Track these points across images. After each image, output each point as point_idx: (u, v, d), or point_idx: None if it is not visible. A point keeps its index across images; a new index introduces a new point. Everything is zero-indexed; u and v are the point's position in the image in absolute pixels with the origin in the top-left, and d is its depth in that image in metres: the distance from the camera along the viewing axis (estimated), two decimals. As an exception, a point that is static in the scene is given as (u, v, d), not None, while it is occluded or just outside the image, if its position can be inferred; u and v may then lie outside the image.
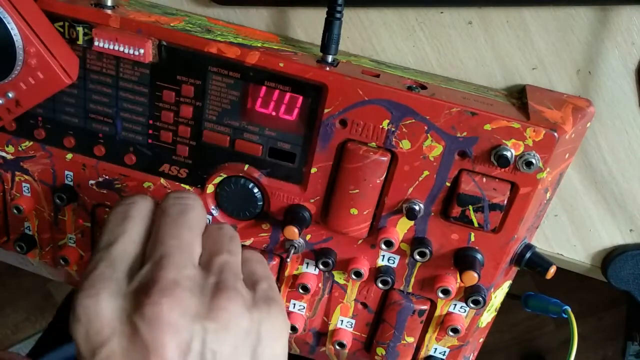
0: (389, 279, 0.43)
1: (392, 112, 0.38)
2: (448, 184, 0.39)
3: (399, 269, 0.44)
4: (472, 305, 0.42)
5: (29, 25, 0.38)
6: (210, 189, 0.44)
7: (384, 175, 0.40)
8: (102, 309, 0.31)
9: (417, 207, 0.40)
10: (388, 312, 0.45)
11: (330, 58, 0.39)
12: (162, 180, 0.44)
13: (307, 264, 0.46)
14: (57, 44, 0.39)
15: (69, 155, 0.45)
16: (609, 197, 0.44)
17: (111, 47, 0.39)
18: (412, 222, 0.41)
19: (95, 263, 0.33)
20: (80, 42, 0.40)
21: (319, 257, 0.44)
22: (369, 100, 0.38)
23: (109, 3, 0.40)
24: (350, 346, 0.48)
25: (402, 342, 0.46)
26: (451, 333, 0.45)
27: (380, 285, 0.44)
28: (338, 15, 0.38)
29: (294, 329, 0.48)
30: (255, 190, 0.43)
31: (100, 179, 0.46)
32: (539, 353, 1.63)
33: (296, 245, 0.44)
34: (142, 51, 0.39)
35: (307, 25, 0.43)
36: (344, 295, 0.46)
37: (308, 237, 0.44)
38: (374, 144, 0.39)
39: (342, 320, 0.48)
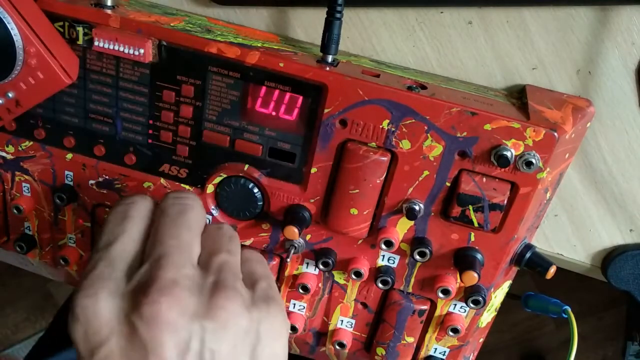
0: (389, 279, 0.43)
1: (392, 112, 0.38)
2: (448, 184, 0.39)
3: (399, 269, 0.44)
4: (472, 305, 0.42)
5: (29, 25, 0.38)
6: (210, 189, 0.44)
7: (384, 175, 0.40)
8: (101, 308, 0.31)
9: (417, 207, 0.40)
10: (388, 312, 0.45)
11: (330, 58, 0.39)
12: (162, 180, 0.44)
13: (307, 264, 0.46)
14: (57, 44, 0.39)
15: (69, 155, 0.45)
16: (609, 197, 0.44)
17: (111, 47, 0.39)
18: (412, 222, 0.41)
19: (94, 263, 0.33)
20: (80, 42, 0.40)
21: (319, 257, 0.44)
22: (369, 100, 0.38)
23: (109, 3, 0.40)
24: (350, 346, 0.48)
25: (402, 342, 0.46)
26: (451, 333, 0.45)
27: (380, 285, 0.44)
28: (338, 15, 0.38)
29: (294, 329, 0.48)
30: (255, 190, 0.43)
31: (100, 179, 0.46)
32: (539, 353, 1.63)
33: (296, 245, 0.44)
34: (142, 51, 0.39)
35: (307, 25, 0.43)
36: (344, 295, 0.46)
37: (308, 237, 0.44)
38: (374, 144, 0.39)
39: (342, 320, 0.48)
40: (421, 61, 0.43)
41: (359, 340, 0.48)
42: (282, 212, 0.43)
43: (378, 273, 0.44)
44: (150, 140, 0.43)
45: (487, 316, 0.46)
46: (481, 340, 0.49)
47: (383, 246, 0.41)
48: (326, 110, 0.39)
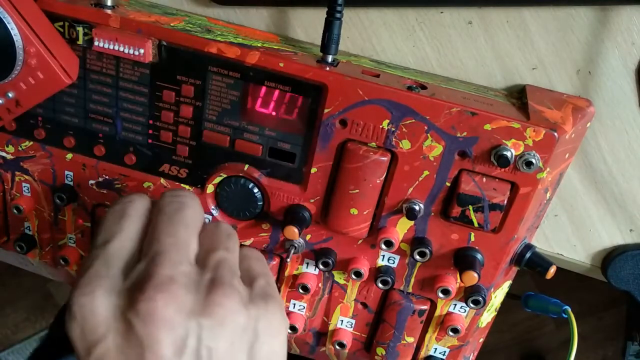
0: (389, 279, 0.43)
1: (392, 112, 0.38)
2: (448, 184, 0.39)
3: (399, 269, 0.44)
4: (472, 305, 0.42)
5: (29, 25, 0.38)
6: (210, 189, 0.44)
7: (384, 175, 0.40)
8: (97, 306, 0.31)
9: (417, 207, 0.40)
10: (388, 312, 0.45)
11: (330, 58, 0.39)
12: (162, 180, 0.44)
13: (307, 264, 0.46)
14: (57, 44, 0.39)
15: (69, 155, 0.45)
16: (609, 197, 0.44)
17: (111, 47, 0.39)
18: (412, 222, 0.41)
19: (91, 261, 0.33)
20: (80, 42, 0.40)
21: (319, 257, 0.44)
22: (369, 100, 0.38)
23: (109, 3, 0.40)
24: (350, 346, 0.48)
25: (402, 342, 0.46)
26: (451, 333, 0.45)
27: (380, 285, 0.44)
28: (338, 15, 0.38)
29: (294, 329, 0.48)
30: (255, 190, 0.43)
31: (100, 179, 0.46)
32: (539, 353, 1.63)
33: (296, 245, 0.44)
34: (142, 51, 0.39)
35: (307, 25, 0.43)
36: (344, 295, 0.46)
37: (308, 237, 0.44)
38: (374, 144, 0.39)
39: (342, 320, 0.48)
40: (421, 61, 0.43)
41: (359, 340, 0.48)
42: (282, 212, 0.43)
43: (378, 273, 0.44)
44: (150, 140, 0.43)
45: (487, 316, 0.46)
46: (481, 340, 0.49)
47: (383, 246, 0.41)
48: (326, 110, 0.39)
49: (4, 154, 0.46)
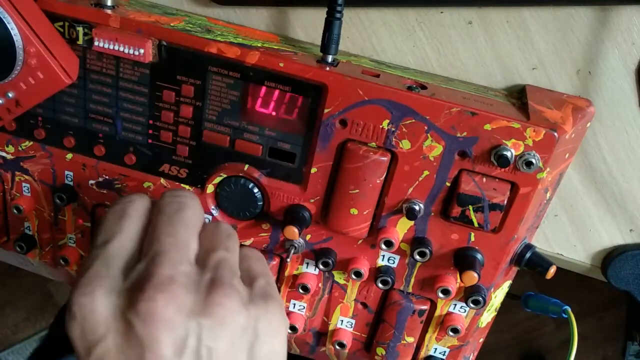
0: (389, 279, 0.43)
1: (392, 112, 0.38)
2: (448, 184, 0.39)
3: (399, 269, 0.44)
4: (472, 305, 0.42)
5: (29, 25, 0.38)
6: (210, 189, 0.44)
7: (384, 175, 0.40)
8: (97, 306, 0.31)
9: (417, 207, 0.40)
10: (388, 312, 0.45)
11: (330, 58, 0.39)
12: (162, 180, 0.44)
13: (307, 264, 0.46)
14: (57, 44, 0.39)
15: (69, 155, 0.45)
16: (609, 197, 0.44)
17: (111, 47, 0.39)
18: (412, 222, 0.41)
19: (91, 261, 0.33)
20: (80, 42, 0.40)
21: (319, 257, 0.44)
22: (369, 100, 0.38)
23: (109, 3, 0.40)
24: (350, 346, 0.48)
25: (402, 342, 0.46)
26: (451, 333, 0.45)
27: (380, 285, 0.44)
28: (338, 15, 0.38)
29: (294, 329, 0.48)
30: (255, 190, 0.43)
31: (100, 179, 0.46)
32: (539, 353, 1.63)
33: (296, 245, 0.44)
34: (142, 51, 0.39)
35: (307, 25, 0.43)
36: (344, 295, 0.46)
37: (308, 237, 0.44)
38: (374, 144, 0.39)
39: (342, 320, 0.48)
40: (421, 61, 0.43)
41: (359, 340, 0.48)
42: (282, 212, 0.43)
43: (378, 273, 0.44)
44: (150, 140, 0.43)
45: (487, 316, 0.46)
46: (481, 340, 0.49)
47: (383, 246, 0.41)
48: (326, 110, 0.39)
49: (4, 154, 0.46)
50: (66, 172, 0.46)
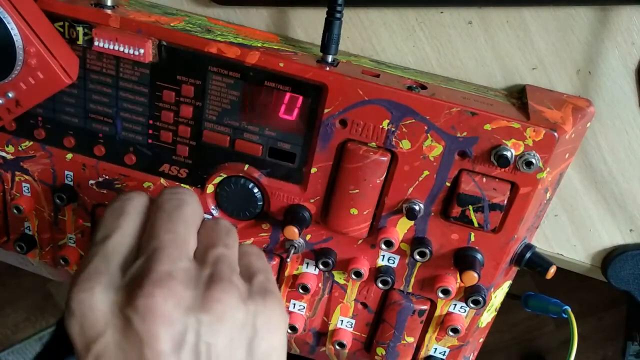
0: (389, 279, 0.43)
1: (392, 112, 0.38)
2: (448, 184, 0.39)
3: (399, 269, 0.44)
4: (472, 305, 0.42)
5: (29, 25, 0.38)
6: (210, 189, 0.44)
7: (384, 175, 0.40)
8: (96, 302, 0.31)
9: (417, 207, 0.40)
10: (388, 312, 0.45)
11: (330, 58, 0.39)
12: (162, 180, 0.44)
13: (307, 264, 0.46)
14: (57, 44, 0.39)
15: (69, 155, 0.45)
16: (609, 197, 0.44)
17: (111, 47, 0.39)
18: (412, 222, 0.41)
19: (90, 257, 0.33)
20: (80, 42, 0.40)
21: (319, 257, 0.44)
22: (369, 100, 0.38)
23: (109, 3, 0.40)
24: (350, 346, 0.48)
25: (402, 342, 0.46)
26: (451, 333, 0.45)
27: (380, 285, 0.44)
28: (338, 15, 0.38)
29: (293, 329, 0.48)
30: (255, 190, 0.43)
31: (100, 179, 0.46)
32: (539, 353, 1.63)
33: (296, 245, 0.44)
34: (142, 51, 0.39)
35: (307, 25, 0.43)
36: (344, 295, 0.46)
37: (308, 237, 0.44)
38: (374, 144, 0.39)
39: (342, 320, 0.48)
40: (421, 61, 0.43)
41: (359, 340, 0.48)
42: (282, 212, 0.43)
43: (378, 273, 0.44)
44: (150, 140, 0.43)
45: (487, 316, 0.46)
46: (481, 340, 0.49)
47: (383, 246, 0.41)
48: (326, 110, 0.39)
49: (4, 154, 0.46)
50: (66, 172, 0.46)
